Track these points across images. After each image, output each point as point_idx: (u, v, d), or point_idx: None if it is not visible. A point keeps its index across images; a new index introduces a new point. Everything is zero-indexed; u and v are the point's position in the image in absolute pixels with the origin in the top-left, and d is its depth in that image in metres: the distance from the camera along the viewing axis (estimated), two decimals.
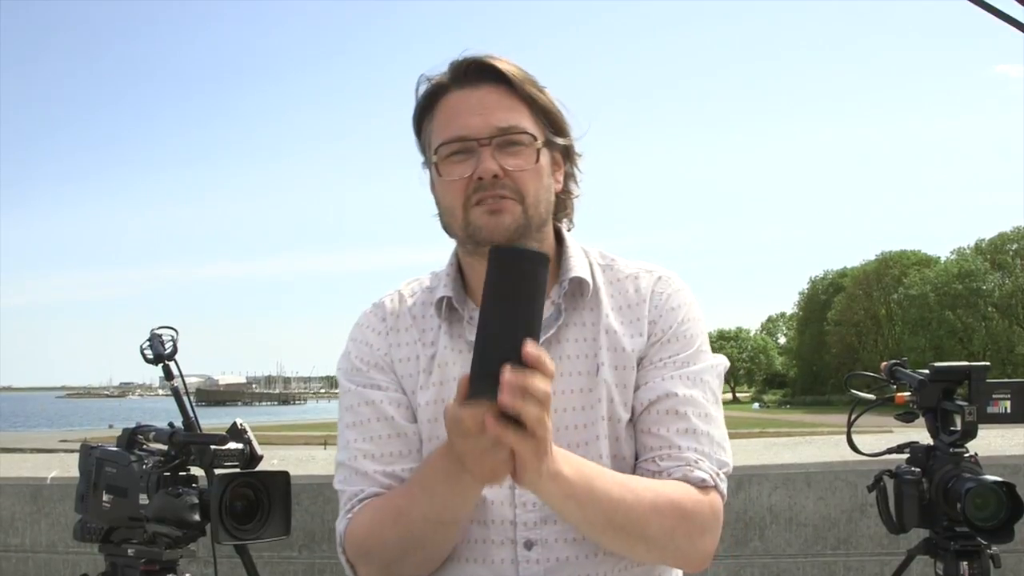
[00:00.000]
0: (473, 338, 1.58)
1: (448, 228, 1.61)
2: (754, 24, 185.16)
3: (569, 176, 1.68)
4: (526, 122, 1.56)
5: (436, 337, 1.64)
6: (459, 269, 1.67)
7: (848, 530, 3.62)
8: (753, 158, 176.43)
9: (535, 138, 1.56)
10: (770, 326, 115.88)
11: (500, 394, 1.14)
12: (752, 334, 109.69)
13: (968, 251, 73.02)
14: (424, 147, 1.63)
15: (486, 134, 1.53)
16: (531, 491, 1.39)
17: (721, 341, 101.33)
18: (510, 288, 1.16)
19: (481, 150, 1.53)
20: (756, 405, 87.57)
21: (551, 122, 1.60)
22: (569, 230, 1.71)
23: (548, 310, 1.60)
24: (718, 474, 1.55)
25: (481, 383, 1.16)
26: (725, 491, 1.57)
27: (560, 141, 1.62)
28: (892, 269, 75.32)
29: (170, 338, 2.62)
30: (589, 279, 1.63)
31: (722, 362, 1.66)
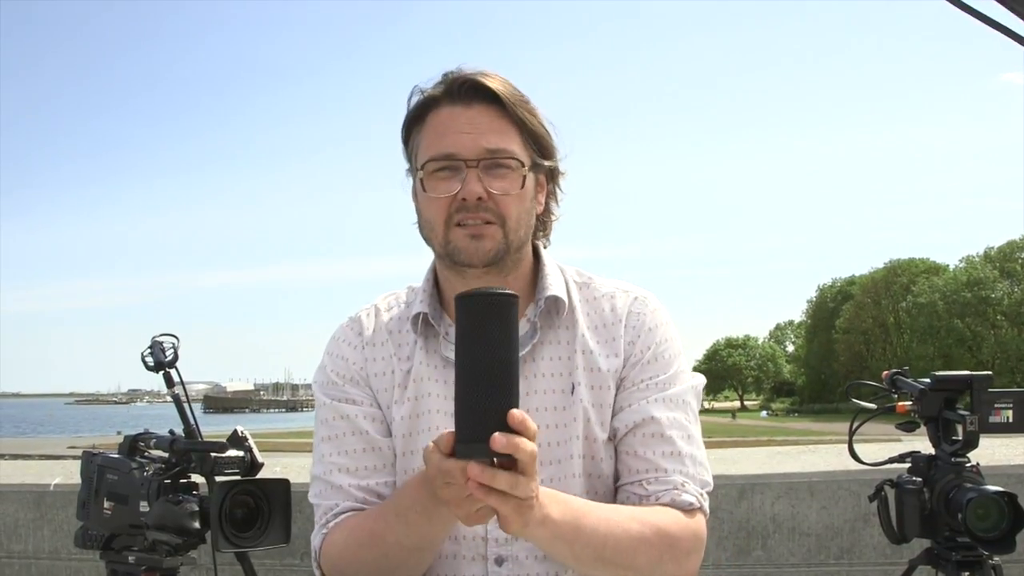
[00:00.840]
0: (448, 354, 1.58)
1: (427, 240, 1.62)
2: (765, 31, 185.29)
3: (551, 195, 1.68)
4: (515, 146, 1.56)
5: (412, 352, 1.65)
6: (435, 284, 1.67)
7: (851, 540, 3.60)
8: (762, 166, 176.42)
9: (522, 164, 1.56)
10: (778, 334, 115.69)
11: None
12: (760, 342, 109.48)
13: (977, 259, 72.76)
14: (410, 156, 1.63)
15: (474, 155, 1.53)
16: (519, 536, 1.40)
17: (729, 349, 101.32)
18: (484, 336, 1.16)
19: (468, 171, 1.53)
20: (764, 413, 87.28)
21: (539, 145, 1.60)
22: (545, 247, 1.71)
23: (523, 328, 1.62)
24: (702, 494, 1.58)
25: (469, 445, 1.17)
26: (708, 510, 1.59)
27: (546, 163, 1.62)
28: (901, 277, 75.11)
29: (171, 345, 2.62)
30: (565, 298, 1.63)
31: (700, 381, 1.68)
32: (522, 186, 1.56)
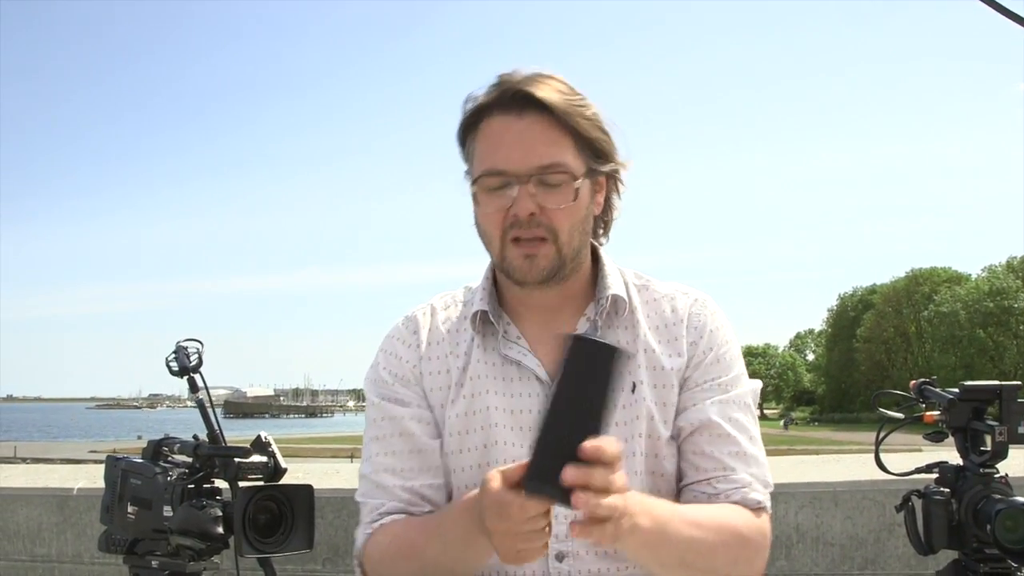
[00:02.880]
0: (507, 352, 1.61)
1: (485, 247, 1.63)
2: (785, 41, 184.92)
3: (612, 191, 1.67)
4: (568, 156, 1.54)
5: (469, 350, 1.66)
6: (494, 283, 1.69)
7: (876, 550, 3.57)
8: (781, 175, 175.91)
9: (575, 177, 1.55)
10: (799, 343, 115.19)
11: (573, 499, 1.15)
12: (780, 351, 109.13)
13: (999, 268, 72.39)
14: (467, 160, 1.63)
15: (525, 171, 1.52)
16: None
17: (749, 357, 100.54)
18: (586, 382, 1.13)
19: (519, 187, 1.52)
20: (783, 422, 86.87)
21: (595, 150, 1.58)
22: (602, 245, 1.72)
23: (583, 327, 1.64)
24: (766, 494, 1.61)
25: (539, 479, 1.14)
26: (770, 509, 1.62)
27: (604, 169, 1.61)
28: (922, 286, 74.74)
29: (195, 350, 2.62)
30: (625, 297, 1.65)
31: (758, 385, 1.70)
32: (575, 198, 1.55)
